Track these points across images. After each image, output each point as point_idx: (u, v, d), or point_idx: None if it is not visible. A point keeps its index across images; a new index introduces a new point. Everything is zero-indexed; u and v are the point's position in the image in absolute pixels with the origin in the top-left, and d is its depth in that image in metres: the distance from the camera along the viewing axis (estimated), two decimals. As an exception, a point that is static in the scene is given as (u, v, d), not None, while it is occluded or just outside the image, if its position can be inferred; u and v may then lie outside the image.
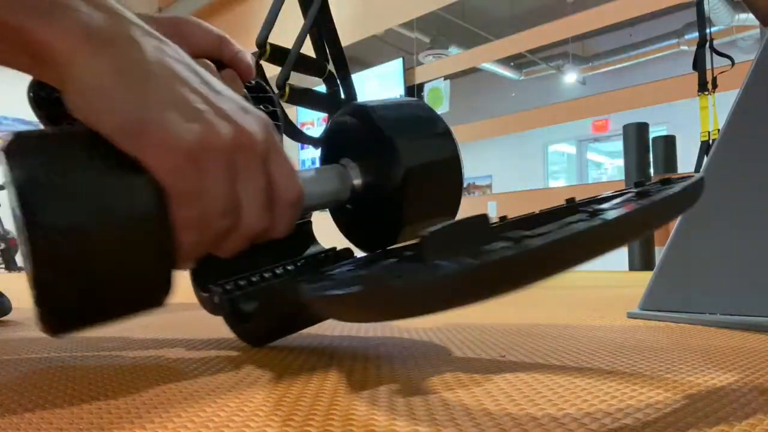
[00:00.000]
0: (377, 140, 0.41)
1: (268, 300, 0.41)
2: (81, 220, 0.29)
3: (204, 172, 0.31)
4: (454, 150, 0.43)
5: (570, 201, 0.39)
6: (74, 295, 0.30)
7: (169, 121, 0.31)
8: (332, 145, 0.46)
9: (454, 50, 6.32)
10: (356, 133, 0.43)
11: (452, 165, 0.43)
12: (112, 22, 0.31)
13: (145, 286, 0.32)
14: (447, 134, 0.44)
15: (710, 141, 2.38)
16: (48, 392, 0.29)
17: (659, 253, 0.62)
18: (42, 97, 0.46)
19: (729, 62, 2.34)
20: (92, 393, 0.28)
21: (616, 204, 0.29)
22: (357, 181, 0.42)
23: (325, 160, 0.47)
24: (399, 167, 0.40)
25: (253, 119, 0.34)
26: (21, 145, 0.30)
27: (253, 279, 0.44)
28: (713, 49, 2.33)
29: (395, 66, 4.72)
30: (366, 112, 0.42)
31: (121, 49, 0.31)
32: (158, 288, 0.33)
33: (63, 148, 0.31)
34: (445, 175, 0.43)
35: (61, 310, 0.30)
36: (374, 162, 0.42)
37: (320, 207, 0.42)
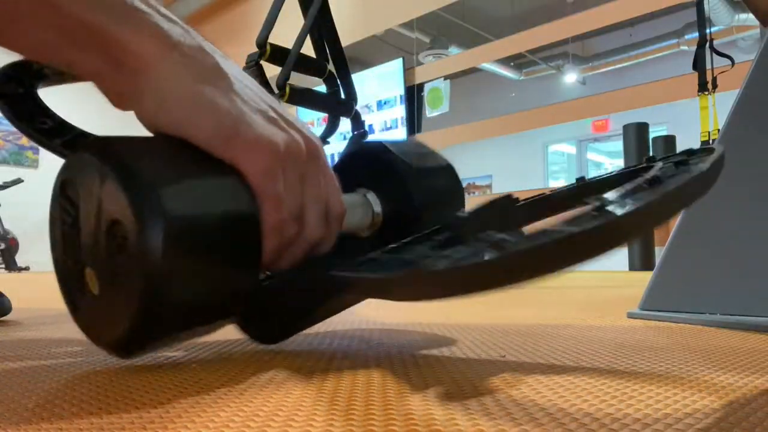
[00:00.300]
0: (399, 174, 0.44)
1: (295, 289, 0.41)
2: (194, 226, 0.29)
3: (286, 176, 0.33)
4: (460, 184, 0.48)
5: (580, 180, 0.42)
6: (177, 307, 0.30)
7: (262, 126, 0.33)
8: (347, 175, 0.48)
9: (454, 50, 6.32)
10: (376, 167, 0.46)
11: (460, 196, 0.48)
12: (187, 36, 0.33)
13: (233, 294, 0.33)
14: (454, 171, 0.49)
15: (710, 141, 2.37)
16: (48, 392, 0.29)
17: (659, 253, 0.62)
18: (7, 93, 0.45)
19: (729, 62, 2.34)
20: (92, 393, 0.28)
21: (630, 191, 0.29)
22: (378, 210, 0.45)
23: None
24: (419, 199, 0.44)
25: (310, 132, 0.36)
26: (124, 152, 0.30)
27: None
28: (713, 49, 2.32)
29: (395, 66, 4.72)
30: (387, 148, 0.46)
31: (202, 61, 0.32)
32: (241, 296, 0.33)
33: (166, 153, 0.31)
34: (454, 205, 0.47)
35: (156, 323, 0.30)
36: (394, 194, 0.45)
37: (348, 230, 0.44)
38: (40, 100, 0.47)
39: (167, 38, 0.31)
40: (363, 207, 0.45)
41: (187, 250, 0.29)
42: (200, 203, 0.30)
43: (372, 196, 0.45)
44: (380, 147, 0.46)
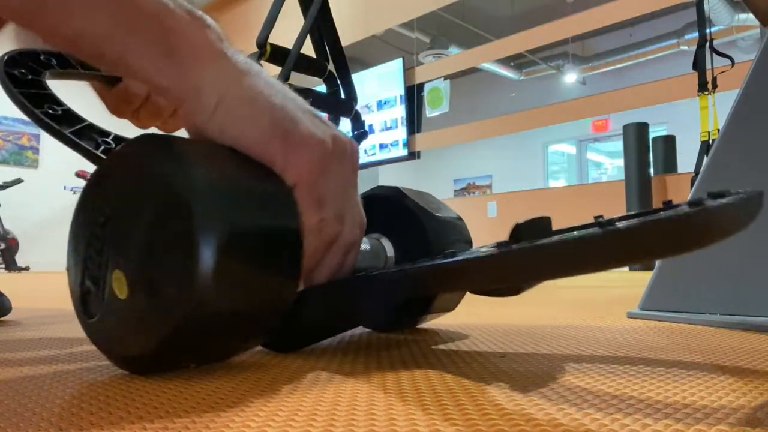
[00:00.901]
0: (412, 222, 0.45)
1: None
2: (246, 240, 0.29)
3: (331, 175, 0.34)
4: (470, 236, 0.49)
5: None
6: (220, 321, 0.29)
7: (311, 124, 0.33)
8: None
9: (454, 50, 6.32)
10: (388, 213, 0.47)
11: (470, 246, 0.48)
12: (222, 32, 0.33)
13: (274, 312, 0.32)
14: (464, 224, 0.50)
15: (710, 141, 2.37)
16: (48, 392, 0.29)
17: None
18: (17, 76, 0.45)
19: (729, 62, 2.34)
20: (92, 393, 0.28)
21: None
22: (390, 254, 0.46)
23: None
24: (429, 246, 0.44)
25: (346, 135, 0.37)
26: (183, 155, 0.29)
27: None
28: (713, 49, 2.33)
29: (395, 66, 4.72)
30: (406, 195, 0.47)
31: (245, 58, 0.33)
32: (280, 314, 0.32)
33: (219, 160, 0.31)
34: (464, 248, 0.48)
35: (196, 337, 0.29)
36: (411, 240, 0.46)
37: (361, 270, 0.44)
38: (48, 87, 0.46)
39: (217, 32, 0.32)
40: (377, 251, 0.45)
41: (239, 264, 0.28)
42: (253, 217, 0.29)
43: (386, 241, 0.46)
44: (398, 193, 0.47)
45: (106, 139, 0.46)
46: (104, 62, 0.31)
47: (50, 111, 0.43)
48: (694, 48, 2.41)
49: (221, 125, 0.31)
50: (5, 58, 0.46)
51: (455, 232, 0.47)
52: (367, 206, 0.48)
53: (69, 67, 0.50)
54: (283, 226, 0.31)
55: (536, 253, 0.26)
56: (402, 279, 0.34)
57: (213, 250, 0.27)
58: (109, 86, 0.50)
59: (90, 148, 0.43)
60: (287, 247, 0.31)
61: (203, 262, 0.26)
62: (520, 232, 0.28)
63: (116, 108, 0.51)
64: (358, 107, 0.88)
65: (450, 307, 0.51)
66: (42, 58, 0.48)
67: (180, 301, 0.27)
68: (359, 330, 0.53)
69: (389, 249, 0.46)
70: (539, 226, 0.28)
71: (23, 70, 0.46)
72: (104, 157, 0.43)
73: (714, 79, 2.36)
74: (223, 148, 0.32)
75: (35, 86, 0.45)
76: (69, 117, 0.44)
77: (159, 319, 0.28)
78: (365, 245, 0.44)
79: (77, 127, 0.44)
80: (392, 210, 0.47)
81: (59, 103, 0.45)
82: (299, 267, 0.32)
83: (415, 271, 0.33)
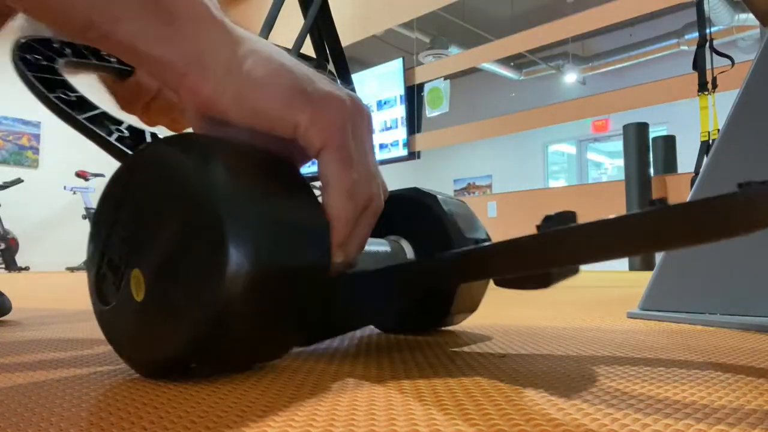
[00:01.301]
0: (435, 224, 0.44)
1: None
2: (278, 255, 0.28)
3: (354, 134, 0.32)
4: (485, 231, 0.48)
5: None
6: (244, 336, 0.28)
7: (327, 84, 0.32)
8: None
9: (454, 50, 6.32)
10: (410, 215, 0.46)
11: (487, 239, 0.47)
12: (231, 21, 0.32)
13: (294, 335, 0.31)
14: (478, 222, 0.49)
15: (710, 141, 2.37)
16: (48, 392, 0.29)
17: (659, 253, 0.62)
18: (30, 60, 0.45)
19: (729, 62, 2.34)
20: (92, 393, 0.28)
21: None
22: (410, 256, 0.45)
23: None
24: (450, 246, 0.43)
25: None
26: (222, 161, 0.28)
27: None
28: (713, 49, 2.33)
29: (395, 66, 4.72)
30: (428, 198, 0.45)
31: (248, 32, 0.32)
32: (303, 336, 0.32)
33: (254, 165, 0.30)
34: None
35: (216, 352, 0.28)
36: (426, 243, 0.45)
37: None
38: (62, 73, 0.46)
39: (222, 16, 0.31)
40: (397, 254, 0.44)
41: (264, 295, 0.27)
42: (285, 249, 0.28)
43: (405, 243, 0.45)
44: (422, 194, 0.46)
45: (120, 128, 0.45)
46: (94, 34, 0.28)
47: (63, 96, 0.43)
48: (694, 48, 2.41)
49: (235, 92, 0.30)
50: (19, 42, 0.45)
51: (477, 233, 0.46)
52: (386, 207, 0.47)
53: (83, 57, 0.49)
54: (313, 260, 0.30)
55: (584, 231, 0.25)
56: (436, 267, 0.33)
57: (248, 268, 0.26)
58: (120, 80, 0.50)
59: (103, 134, 0.43)
60: (314, 283, 0.30)
61: (234, 279, 0.26)
62: (550, 220, 0.27)
63: (127, 103, 0.50)
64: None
65: (473, 307, 0.50)
66: (56, 45, 0.48)
67: (195, 323, 0.26)
68: (366, 331, 0.53)
69: (409, 251, 0.45)
70: (568, 216, 0.28)
71: (37, 56, 0.45)
72: (117, 144, 0.43)
73: (714, 79, 2.36)
74: (262, 154, 0.31)
75: (49, 71, 0.45)
76: (82, 103, 0.44)
77: (170, 335, 0.27)
78: (385, 246, 0.43)
79: (91, 113, 0.44)
80: (411, 211, 0.45)
81: (73, 89, 0.45)
82: (322, 300, 0.31)
83: (450, 257, 0.32)
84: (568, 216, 0.27)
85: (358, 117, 0.32)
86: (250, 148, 0.31)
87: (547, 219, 0.27)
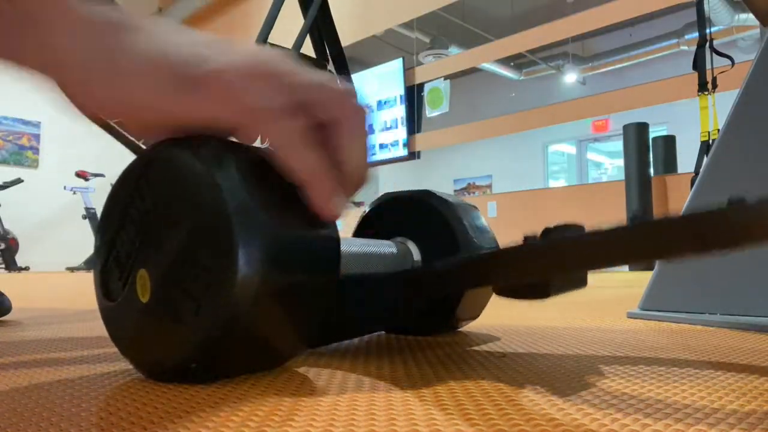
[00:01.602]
0: (441, 227, 0.44)
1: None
2: (289, 262, 0.27)
3: (267, 89, 0.27)
4: (494, 237, 0.47)
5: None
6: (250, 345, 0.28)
7: (221, 56, 0.27)
8: (380, 222, 0.47)
9: (454, 50, 6.32)
10: (416, 217, 0.46)
11: (495, 245, 0.47)
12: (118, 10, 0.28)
13: (301, 343, 0.31)
14: (487, 227, 0.48)
15: (710, 141, 2.38)
16: (48, 392, 0.29)
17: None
18: None
19: (729, 62, 2.34)
20: (92, 393, 0.28)
21: None
22: (417, 259, 0.45)
23: (369, 233, 0.48)
24: (458, 251, 0.43)
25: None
26: (235, 166, 0.27)
27: None
28: (713, 49, 2.33)
29: (395, 66, 4.72)
30: (438, 201, 0.45)
31: (127, 18, 0.27)
32: (308, 345, 0.32)
33: (262, 167, 0.29)
34: None
35: (222, 359, 0.28)
36: (435, 247, 0.45)
37: None
38: None
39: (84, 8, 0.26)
40: (404, 254, 0.44)
41: (279, 287, 0.27)
42: (295, 236, 0.28)
43: (412, 245, 0.45)
44: (432, 197, 0.45)
45: None
46: None
47: None
48: (694, 48, 2.41)
49: (103, 99, 0.26)
50: None
51: (485, 238, 0.46)
52: (393, 208, 0.46)
53: None
54: (322, 267, 0.29)
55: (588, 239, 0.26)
56: (443, 272, 0.33)
57: (247, 292, 0.25)
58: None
59: (134, 138, 0.42)
60: (323, 289, 0.30)
61: (241, 287, 0.25)
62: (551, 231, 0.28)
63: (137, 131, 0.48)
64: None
65: (475, 314, 0.49)
66: None
67: (203, 328, 0.26)
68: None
69: (416, 253, 0.45)
70: (571, 227, 0.28)
71: None
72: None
73: (714, 79, 2.36)
74: (265, 153, 0.30)
75: None
76: None
77: (177, 340, 0.27)
78: (392, 248, 0.43)
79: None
80: (419, 213, 0.45)
81: None
82: (330, 307, 0.31)
83: (456, 262, 0.32)
84: (568, 228, 0.28)
85: (267, 73, 0.27)
86: (262, 151, 0.30)
87: (546, 232, 0.28)
